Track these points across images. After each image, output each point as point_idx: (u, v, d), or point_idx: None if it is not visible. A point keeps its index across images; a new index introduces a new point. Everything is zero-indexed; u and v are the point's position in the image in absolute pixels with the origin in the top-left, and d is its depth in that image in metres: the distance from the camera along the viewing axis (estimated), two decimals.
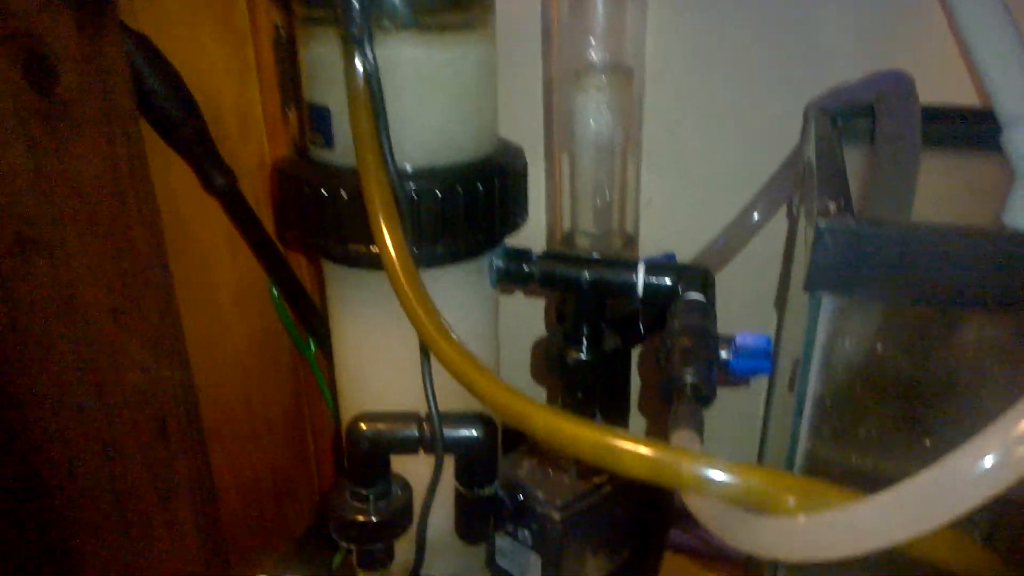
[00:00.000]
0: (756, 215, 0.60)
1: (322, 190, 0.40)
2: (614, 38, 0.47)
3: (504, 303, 0.57)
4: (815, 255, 0.28)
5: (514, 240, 0.46)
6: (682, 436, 0.31)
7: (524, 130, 0.54)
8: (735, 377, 0.38)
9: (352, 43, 0.35)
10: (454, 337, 0.32)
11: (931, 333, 0.30)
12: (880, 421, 0.31)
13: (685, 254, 0.59)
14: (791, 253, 0.57)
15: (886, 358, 0.31)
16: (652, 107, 0.54)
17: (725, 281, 0.60)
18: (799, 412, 0.32)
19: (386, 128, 0.36)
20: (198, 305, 0.51)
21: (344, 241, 0.41)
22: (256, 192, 0.55)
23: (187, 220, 0.50)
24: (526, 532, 0.47)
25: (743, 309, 0.63)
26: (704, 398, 0.35)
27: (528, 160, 0.46)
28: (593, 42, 0.47)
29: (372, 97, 0.35)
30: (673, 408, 0.34)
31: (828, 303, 0.30)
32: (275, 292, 0.57)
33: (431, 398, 0.40)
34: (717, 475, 0.25)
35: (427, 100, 0.40)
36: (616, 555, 0.51)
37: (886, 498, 0.23)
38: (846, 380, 0.31)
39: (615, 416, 0.54)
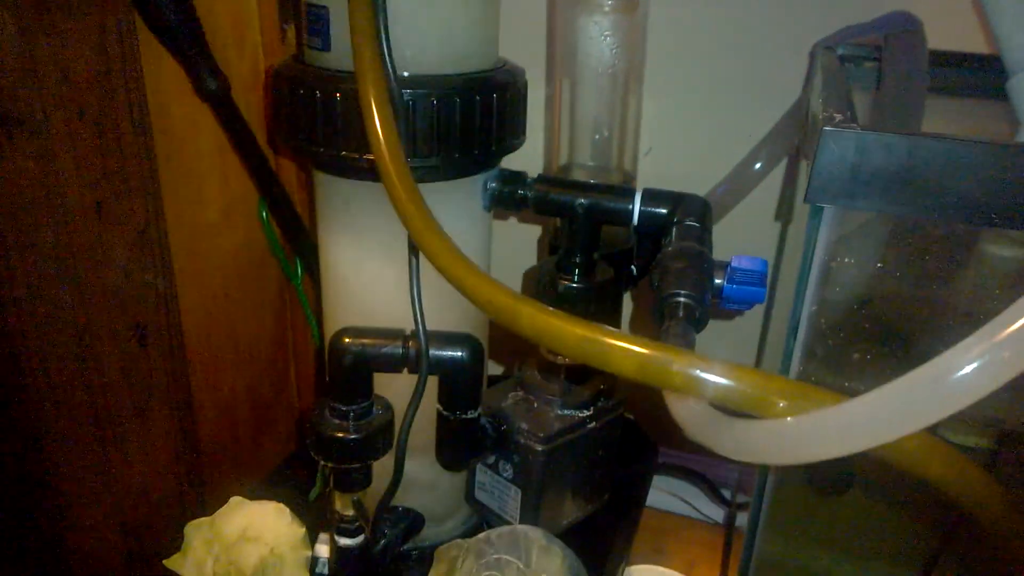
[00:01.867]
0: (759, 164, 0.59)
1: (317, 92, 0.39)
2: None
3: (498, 231, 0.56)
4: (818, 163, 0.27)
5: (511, 165, 0.45)
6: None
7: (525, 54, 0.52)
8: (730, 305, 0.38)
9: None
10: (444, 234, 0.31)
11: (935, 251, 0.29)
12: (877, 346, 0.31)
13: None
14: (791, 199, 0.56)
15: (887, 277, 0.30)
16: (657, 40, 0.53)
17: (724, 231, 0.60)
18: (793, 332, 0.31)
19: (386, 27, 0.34)
20: (184, 216, 0.50)
21: (337, 148, 0.40)
22: (250, 106, 0.53)
23: (178, 125, 0.49)
24: (507, 465, 0.47)
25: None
26: (697, 320, 0.34)
27: (529, 82, 0.45)
28: None
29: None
30: (664, 326, 0.34)
31: (829, 215, 0.29)
32: (264, 214, 0.56)
33: (418, 312, 0.39)
34: (708, 375, 0.25)
35: (430, 6, 0.38)
36: (596, 499, 0.51)
37: (874, 397, 0.23)
38: (844, 300, 0.30)
39: None
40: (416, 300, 0.39)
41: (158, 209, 0.45)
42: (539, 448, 0.45)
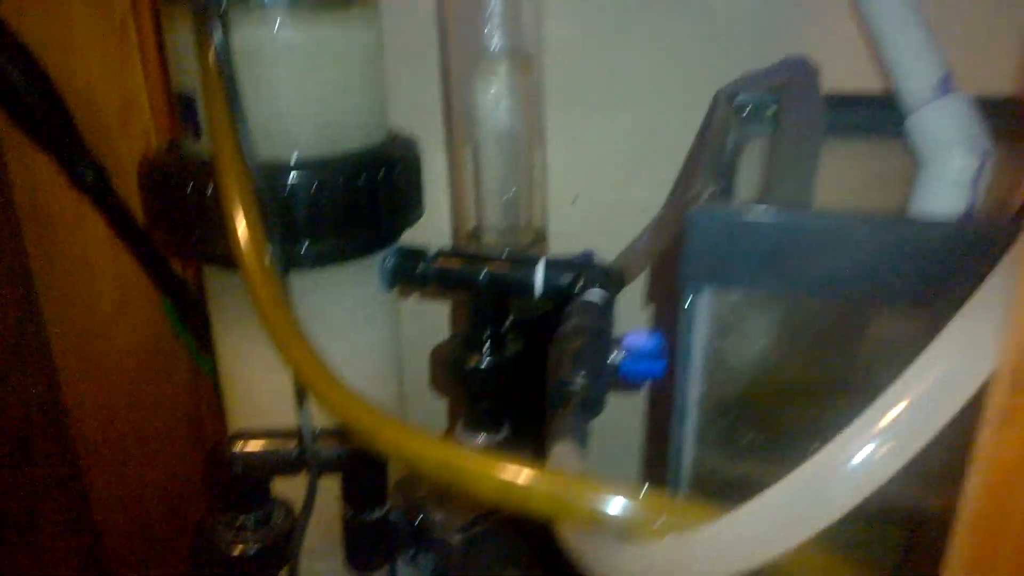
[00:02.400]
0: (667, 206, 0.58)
1: (189, 185, 0.37)
2: (511, 21, 0.44)
3: (410, 309, 0.54)
4: (689, 244, 0.26)
5: (416, 239, 0.43)
6: (561, 450, 0.28)
7: (423, 121, 0.51)
8: (628, 382, 0.36)
9: (201, 22, 0.31)
10: (305, 341, 0.29)
11: (823, 327, 0.28)
12: (771, 424, 0.29)
13: (611, 253, 0.57)
14: None
15: (778, 354, 0.28)
16: (564, 93, 0.51)
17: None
18: (680, 417, 0.29)
19: (241, 114, 0.32)
20: (73, 312, 0.47)
21: (213, 240, 0.37)
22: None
23: (57, 220, 0.46)
24: (427, 557, 0.44)
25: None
26: (592, 406, 0.32)
27: (429, 153, 0.44)
28: (489, 26, 0.44)
29: (224, 81, 0.32)
30: (557, 417, 0.31)
31: (707, 296, 0.27)
32: (167, 305, 0.53)
33: (303, 408, 0.37)
34: (580, 499, 0.23)
35: (303, 85, 0.37)
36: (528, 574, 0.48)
37: (749, 510, 0.21)
38: (730, 380, 0.28)
39: (528, 429, 0.51)
40: (301, 396, 0.37)
41: (34, 311, 0.42)
42: (456, 539, 0.43)
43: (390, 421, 0.25)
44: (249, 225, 0.32)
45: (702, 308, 0.27)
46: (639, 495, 0.22)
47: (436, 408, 0.62)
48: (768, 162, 0.39)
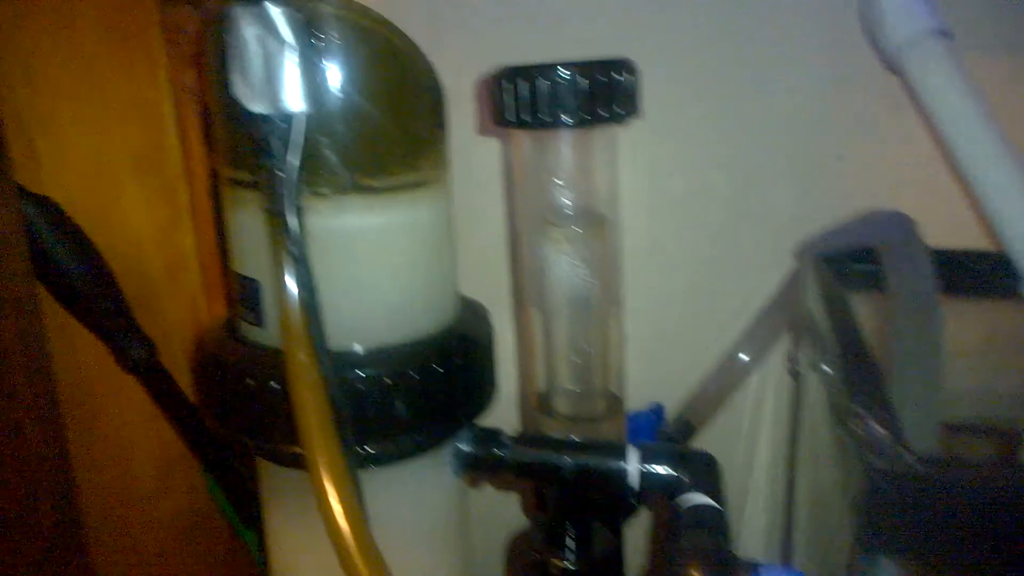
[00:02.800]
0: (744, 356, 0.54)
1: (247, 376, 0.33)
2: (583, 182, 0.42)
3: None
4: (870, 509, 0.22)
5: None
6: None
7: (488, 282, 0.48)
8: None
9: (276, 221, 0.29)
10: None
11: None
12: None
13: (671, 399, 0.53)
14: (798, 411, 0.50)
15: None
16: (629, 253, 0.49)
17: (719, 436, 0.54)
18: None
19: (316, 310, 0.29)
20: (112, 492, 0.44)
21: (276, 438, 0.34)
22: (185, 356, 0.48)
23: (99, 398, 0.43)
24: None
25: (746, 474, 0.56)
26: None
27: (495, 314, 0.40)
28: (560, 187, 0.41)
29: (300, 279, 0.29)
30: None
31: (888, 566, 0.23)
32: (211, 484, 0.49)
33: None
34: None
35: (373, 272, 0.34)
36: None
37: None
38: None
39: None
40: None
41: (70, 512, 0.38)
42: None
43: None
44: (322, 432, 0.28)
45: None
46: None
47: None
48: (888, 328, 0.36)
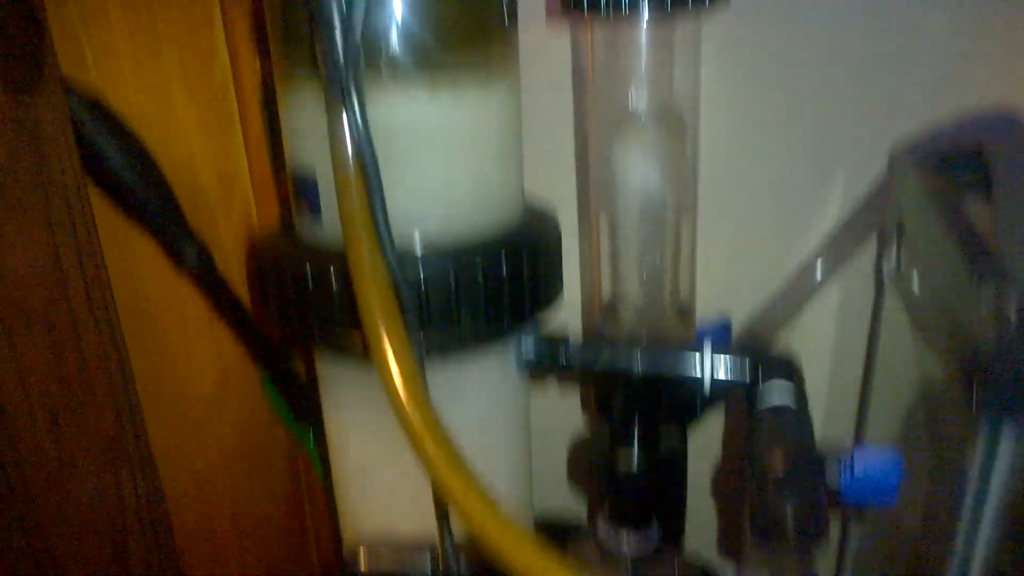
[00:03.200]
0: (819, 272, 0.51)
1: (308, 276, 0.32)
2: (660, 78, 0.39)
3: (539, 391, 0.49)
4: (999, 364, 0.19)
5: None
6: None
7: (553, 184, 0.46)
8: (845, 505, 0.29)
9: (336, 100, 0.27)
10: (447, 443, 0.24)
11: None
12: None
13: (738, 315, 0.51)
14: (878, 325, 0.48)
15: None
16: (705, 155, 0.46)
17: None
18: None
19: (382, 203, 0.28)
20: (168, 399, 0.44)
21: (336, 331, 0.33)
22: (242, 268, 0.47)
23: (154, 304, 0.42)
24: None
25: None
26: (813, 536, 0.26)
27: (560, 219, 0.38)
28: (635, 84, 0.38)
29: (363, 166, 0.27)
30: (776, 559, 0.25)
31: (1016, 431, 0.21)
32: (268, 386, 0.49)
33: (446, 522, 0.31)
34: None
35: (438, 165, 0.32)
36: None
37: None
38: None
39: (670, 526, 0.45)
40: (442, 507, 0.31)
41: (131, 404, 0.38)
42: None
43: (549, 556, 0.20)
44: (389, 321, 0.27)
45: (1009, 443, 0.21)
46: None
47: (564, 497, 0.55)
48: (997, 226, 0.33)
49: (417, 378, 0.26)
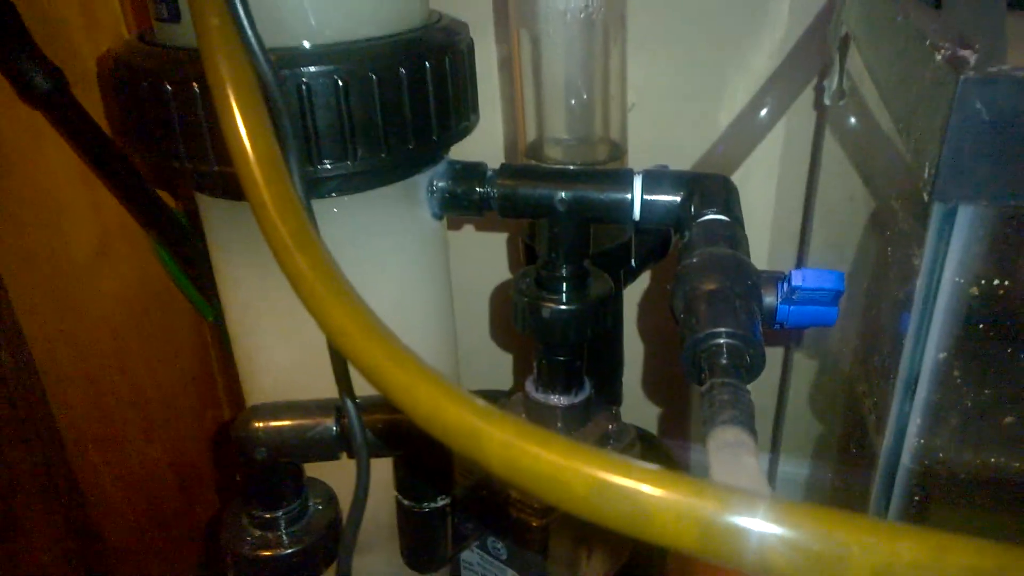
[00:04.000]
0: (765, 111, 0.48)
1: (164, 83, 0.27)
2: None
3: (454, 238, 0.45)
4: (951, 139, 0.16)
5: (461, 154, 0.34)
6: (725, 438, 0.20)
7: (465, 4, 0.40)
8: (782, 328, 0.27)
9: None
10: (341, 287, 0.20)
11: None
12: None
13: (679, 166, 0.47)
14: (817, 157, 0.45)
15: None
16: None
17: None
18: (909, 389, 0.20)
19: None
20: (37, 260, 0.38)
21: (204, 157, 0.28)
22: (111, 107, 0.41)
23: (8, 146, 0.36)
24: (499, 544, 0.36)
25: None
26: (749, 368, 0.24)
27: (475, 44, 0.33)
28: None
29: None
30: (706, 387, 0.23)
31: (969, 217, 0.18)
32: (158, 245, 0.44)
33: (343, 375, 0.28)
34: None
35: None
36: (617, 554, 0.41)
37: None
38: (995, 338, 0.19)
39: (606, 382, 0.43)
40: (339, 360, 0.28)
41: None
42: (535, 522, 0.35)
43: (496, 415, 0.16)
44: (255, 135, 0.22)
45: (962, 230, 0.18)
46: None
47: (495, 362, 0.53)
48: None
49: (295, 208, 0.21)
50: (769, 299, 0.26)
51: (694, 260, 0.27)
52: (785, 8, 0.44)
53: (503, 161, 0.46)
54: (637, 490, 0.15)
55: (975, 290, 0.19)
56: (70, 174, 0.39)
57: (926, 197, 0.18)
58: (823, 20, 0.42)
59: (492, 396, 0.47)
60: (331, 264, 0.21)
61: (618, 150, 0.41)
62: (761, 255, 0.51)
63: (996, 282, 0.18)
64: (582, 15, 0.35)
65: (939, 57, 0.18)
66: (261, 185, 0.21)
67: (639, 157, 0.45)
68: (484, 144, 0.34)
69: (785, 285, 0.26)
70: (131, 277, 0.44)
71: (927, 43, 0.19)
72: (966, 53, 0.17)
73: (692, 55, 0.46)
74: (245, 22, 0.22)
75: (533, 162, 0.40)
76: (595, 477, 0.15)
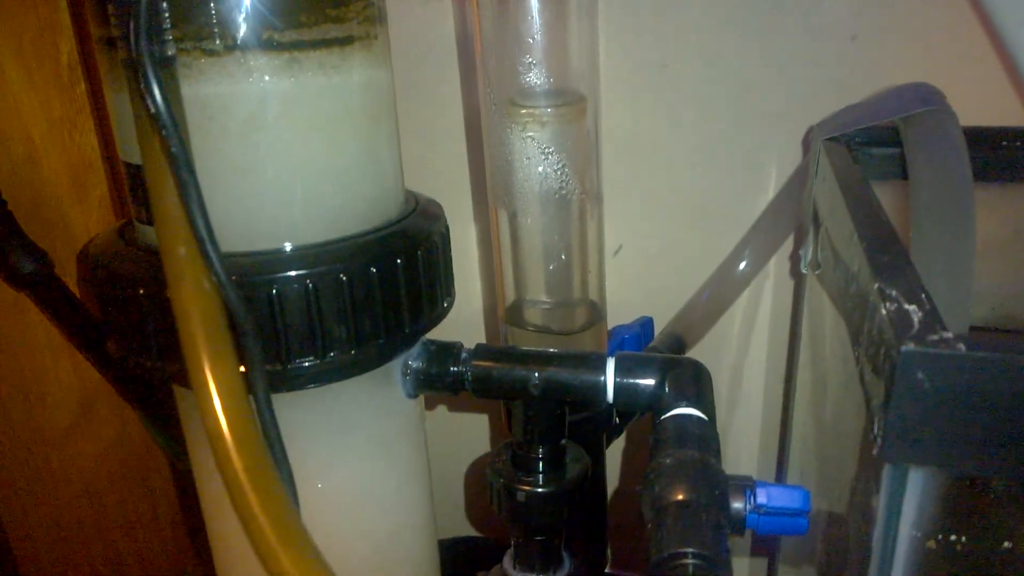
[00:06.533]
0: (744, 264, 0.49)
1: (138, 283, 0.27)
2: (557, 55, 0.35)
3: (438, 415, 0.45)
4: (895, 404, 0.16)
5: (440, 323, 0.34)
6: None
7: (443, 178, 0.41)
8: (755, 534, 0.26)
9: (136, 75, 0.22)
10: (302, 542, 0.20)
11: None
12: None
13: (662, 315, 0.48)
14: (798, 317, 0.45)
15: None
16: (610, 139, 0.42)
17: (709, 348, 0.49)
18: None
19: (196, 190, 0.23)
20: (20, 426, 0.38)
21: (176, 357, 0.28)
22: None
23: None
24: None
25: (735, 388, 0.51)
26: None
27: (453, 216, 0.34)
28: (530, 62, 0.35)
29: (168, 149, 0.22)
30: None
31: (920, 478, 0.18)
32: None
33: None
34: None
35: (287, 151, 0.27)
36: None
37: None
38: None
39: (590, 546, 0.41)
40: None
41: None
42: None
43: None
44: (207, 344, 0.22)
45: (916, 489, 0.17)
46: None
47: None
48: (913, 217, 0.30)
49: (240, 418, 0.21)
50: (738, 506, 0.26)
51: (664, 462, 0.27)
52: (772, 166, 0.45)
53: (482, 322, 0.47)
54: None
55: (932, 544, 0.18)
56: (53, 345, 0.39)
57: (875, 454, 0.18)
58: (799, 181, 0.43)
59: (472, 544, 0.46)
60: (283, 507, 0.20)
61: (597, 314, 0.41)
62: (754, 415, 0.50)
63: (953, 537, 0.18)
64: (557, 196, 0.37)
65: (884, 310, 0.18)
66: (221, 421, 0.21)
67: (625, 303, 0.45)
68: (463, 307, 0.35)
69: (752, 497, 0.25)
70: (111, 438, 0.43)
71: (875, 287, 0.19)
72: (911, 310, 0.18)
73: (676, 210, 0.47)
74: (212, 255, 0.23)
75: (513, 328, 0.40)
76: None
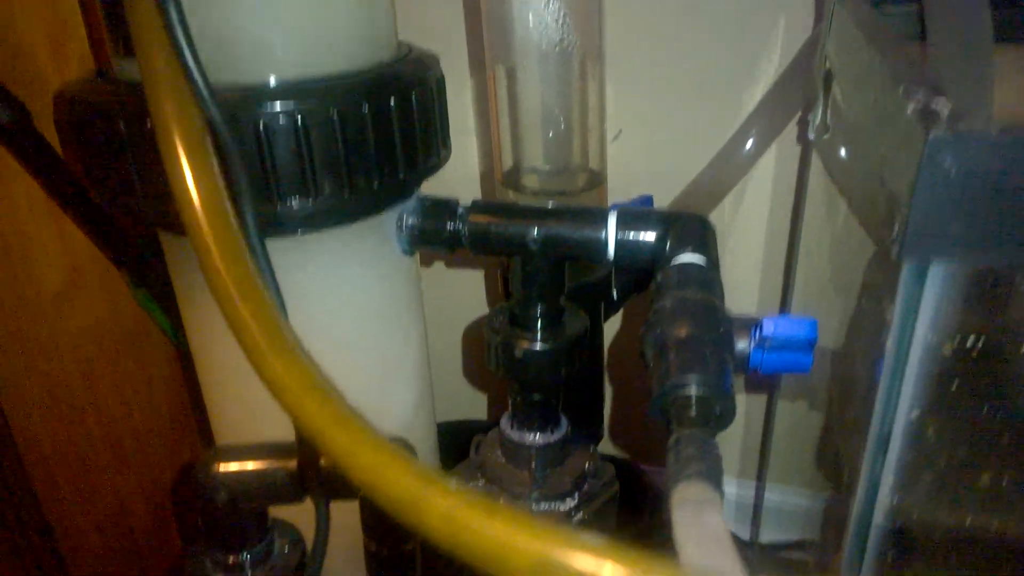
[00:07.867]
0: (750, 142, 0.47)
1: (118, 119, 0.26)
2: None
3: (431, 273, 0.44)
4: (920, 197, 0.15)
5: (436, 188, 0.33)
6: (689, 494, 0.19)
7: (439, 36, 0.39)
8: (756, 375, 0.26)
9: None
10: (288, 348, 0.19)
11: None
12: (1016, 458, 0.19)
13: (664, 197, 0.47)
14: (802, 192, 0.44)
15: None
16: (616, 2, 0.40)
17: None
18: (881, 447, 0.19)
19: (180, 12, 0.21)
20: (7, 293, 0.37)
21: (160, 195, 0.27)
22: None
23: None
24: None
25: (737, 272, 0.50)
26: (718, 418, 0.23)
27: (451, 77, 0.33)
28: None
29: None
30: (672, 439, 0.22)
31: (940, 275, 0.17)
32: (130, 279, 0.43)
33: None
34: None
35: None
36: None
37: None
38: (970, 397, 0.18)
39: (585, 421, 0.42)
40: None
41: None
42: None
43: (433, 478, 0.15)
44: (200, 180, 0.21)
45: (934, 289, 0.17)
46: None
47: (471, 395, 0.51)
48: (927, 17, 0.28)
49: (242, 263, 0.20)
50: (742, 345, 0.25)
51: (666, 304, 0.26)
52: (778, 41, 0.43)
53: (479, 188, 0.46)
54: (581, 571, 0.14)
55: (948, 348, 0.18)
56: (36, 208, 0.38)
57: (894, 255, 0.17)
58: (810, 52, 0.41)
59: (468, 428, 0.46)
60: (275, 316, 0.20)
61: (597, 178, 0.40)
62: (751, 291, 0.50)
63: (970, 340, 0.17)
64: (557, 49, 0.35)
65: (911, 108, 0.17)
66: (205, 231, 0.21)
67: (626, 185, 0.44)
68: (459, 171, 0.34)
69: (758, 332, 0.25)
70: (103, 311, 0.43)
71: (900, 90, 0.18)
72: (939, 103, 0.17)
73: (678, 85, 0.45)
74: (191, 64, 0.21)
75: (510, 192, 0.39)
76: (540, 553, 0.14)
